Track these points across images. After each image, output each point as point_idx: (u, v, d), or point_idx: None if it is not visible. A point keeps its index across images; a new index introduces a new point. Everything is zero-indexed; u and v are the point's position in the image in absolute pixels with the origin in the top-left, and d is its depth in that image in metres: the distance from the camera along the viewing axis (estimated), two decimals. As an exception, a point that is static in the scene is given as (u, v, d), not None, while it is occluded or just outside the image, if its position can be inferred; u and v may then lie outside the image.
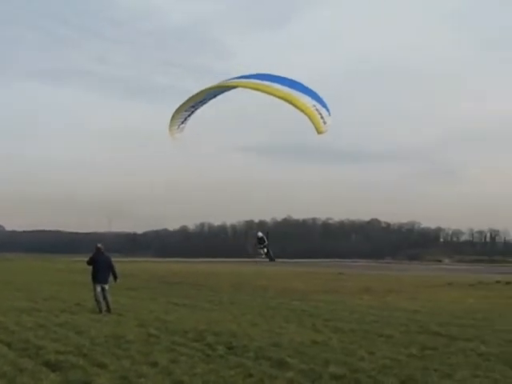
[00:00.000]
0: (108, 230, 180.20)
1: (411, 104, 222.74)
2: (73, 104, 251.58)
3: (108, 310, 21.96)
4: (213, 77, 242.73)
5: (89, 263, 23.00)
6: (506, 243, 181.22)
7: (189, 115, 21.47)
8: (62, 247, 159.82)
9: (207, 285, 38.24)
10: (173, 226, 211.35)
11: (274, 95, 18.52)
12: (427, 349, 14.56)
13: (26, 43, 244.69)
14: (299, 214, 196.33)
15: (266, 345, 14.80)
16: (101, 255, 22.94)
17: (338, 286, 38.26)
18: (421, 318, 20.83)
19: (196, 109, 21.30)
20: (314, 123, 18.85)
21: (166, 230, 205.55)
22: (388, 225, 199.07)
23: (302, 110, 18.62)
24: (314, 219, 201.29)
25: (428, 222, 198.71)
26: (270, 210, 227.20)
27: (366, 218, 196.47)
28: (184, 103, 20.86)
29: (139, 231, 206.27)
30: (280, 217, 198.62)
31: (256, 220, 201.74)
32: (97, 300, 22.23)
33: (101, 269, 22.59)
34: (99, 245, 23.33)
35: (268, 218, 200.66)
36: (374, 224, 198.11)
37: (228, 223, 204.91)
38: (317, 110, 18.85)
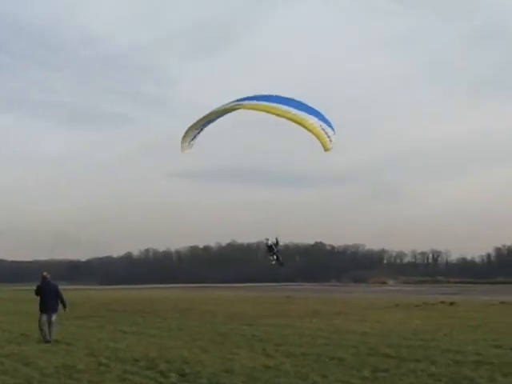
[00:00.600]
0: (51, 258, 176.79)
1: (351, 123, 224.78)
2: (14, 131, 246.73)
3: (49, 340, 21.39)
4: (155, 104, 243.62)
5: (36, 293, 22.53)
6: (447, 264, 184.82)
7: (198, 133, 22.34)
8: (5, 276, 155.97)
9: (154, 311, 37.92)
10: (117, 252, 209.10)
11: (284, 117, 19.31)
12: (379, 371, 14.69)
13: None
14: (244, 238, 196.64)
15: (218, 371, 14.74)
16: (47, 284, 22.49)
17: (287, 309, 38.37)
18: (371, 340, 21.03)
19: (204, 127, 22.15)
20: (321, 141, 19.81)
21: (110, 257, 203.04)
22: (332, 247, 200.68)
23: (310, 130, 19.55)
24: (258, 243, 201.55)
25: (372, 244, 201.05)
26: (214, 234, 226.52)
27: (311, 241, 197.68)
28: (195, 122, 21.54)
29: (82, 258, 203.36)
30: (225, 241, 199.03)
31: (201, 245, 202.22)
32: (41, 329, 21.69)
33: (47, 298, 22.10)
34: (45, 273, 22.86)
35: (213, 243, 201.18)
36: (318, 247, 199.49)
37: (173, 249, 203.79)
38: (323, 129, 19.82)
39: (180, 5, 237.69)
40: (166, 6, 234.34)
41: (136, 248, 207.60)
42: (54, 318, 21.94)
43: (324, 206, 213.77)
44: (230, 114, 21.20)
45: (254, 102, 20.08)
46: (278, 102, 19.69)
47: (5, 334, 24.90)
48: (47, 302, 22.05)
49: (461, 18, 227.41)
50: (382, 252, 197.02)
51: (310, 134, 19.66)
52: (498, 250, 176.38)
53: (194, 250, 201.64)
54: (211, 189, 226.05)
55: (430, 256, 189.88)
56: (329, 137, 19.96)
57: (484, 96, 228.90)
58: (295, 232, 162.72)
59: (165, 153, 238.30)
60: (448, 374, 14.24)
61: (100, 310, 40.80)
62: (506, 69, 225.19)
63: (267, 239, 25.38)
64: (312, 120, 19.64)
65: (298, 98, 20.07)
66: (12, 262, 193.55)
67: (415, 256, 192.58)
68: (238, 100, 20.66)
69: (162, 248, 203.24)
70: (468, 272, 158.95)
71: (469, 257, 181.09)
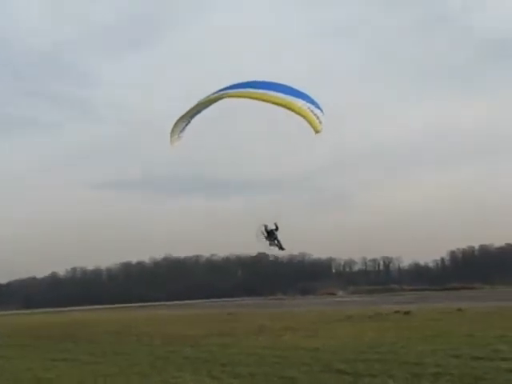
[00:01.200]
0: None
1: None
2: None
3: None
4: (74, 104, 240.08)
5: None
6: (400, 270, 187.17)
7: (186, 125, 23.29)
8: None
9: (86, 335, 37.45)
10: (41, 273, 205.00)
11: (271, 102, 20.37)
12: (334, 389, 14.86)
13: None
14: (180, 251, 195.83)
15: (161, 398, 14.70)
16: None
17: (230, 327, 38.38)
18: (323, 356, 21.23)
19: (192, 119, 23.08)
20: (310, 124, 21.01)
21: (33, 279, 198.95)
22: (276, 258, 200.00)
23: (299, 113, 20.71)
24: (197, 256, 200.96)
25: (319, 252, 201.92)
26: (147, 249, 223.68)
27: (253, 252, 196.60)
28: (183, 115, 22.55)
29: (2, 281, 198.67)
30: (159, 256, 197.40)
31: (134, 261, 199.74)
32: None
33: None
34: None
35: (146, 258, 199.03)
36: (261, 258, 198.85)
37: (103, 267, 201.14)
38: (311, 111, 21.00)
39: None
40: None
41: (62, 267, 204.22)
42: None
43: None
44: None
45: (240, 90, 21.06)
46: (263, 88, 20.64)
47: None
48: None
49: (404, 9, 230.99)
50: (330, 260, 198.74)
51: (298, 117, 20.62)
52: (452, 253, 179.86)
53: (126, 266, 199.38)
54: (143, 199, 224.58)
55: (381, 263, 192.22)
56: (318, 118, 21.07)
57: (428, 91, 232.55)
58: (235, 243, 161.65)
59: (88, 161, 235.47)
60: (406, 388, 14.50)
61: (25, 336, 40.08)
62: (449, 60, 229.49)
63: (266, 225, 25.52)
64: (300, 103, 20.66)
65: (282, 82, 21.01)
66: None
67: (365, 263, 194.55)
68: (223, 89, 21.55)
69: (90, 266, 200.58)
70: (422, 278, 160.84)
71: (422, 262, 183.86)
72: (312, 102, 21.26)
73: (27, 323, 56.89)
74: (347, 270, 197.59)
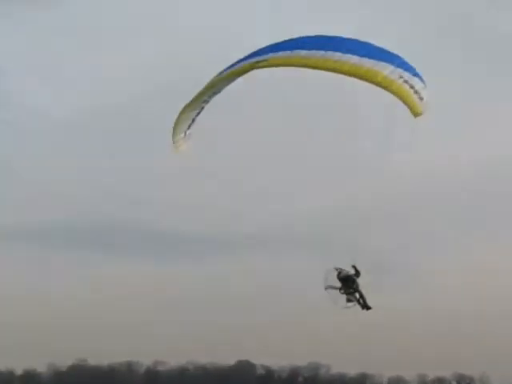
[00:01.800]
0: None
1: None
2: None
3: None
4: None
5: None
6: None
7: (197, 115, 18.24)
8: None
9: None
10: None
11: (337, 70, 13.67)
12: None
13: None
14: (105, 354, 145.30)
15: None
16: None
17: None
18: None
19: (207, 103, 18.00)
20: (407, 103, 14.73)
21: None
22: (268, 370, 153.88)
23: (386, 87, 13.84)
24: (130, 363, 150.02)
25: (344, 362, 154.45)
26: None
27: (229, 359, 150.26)
28: (192, 100, 17.40)
29: None
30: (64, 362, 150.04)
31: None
32: None
33: None
34: None
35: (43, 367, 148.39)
36: (242, 368, 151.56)
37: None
38: (406, 82, 14.39)
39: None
40: None
41: None
42: None
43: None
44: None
45: (284, 54, 14.40)
46: (321, 48, 13.86)
47: None
48: None
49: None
50: (364, 378, 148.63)
51: (385, 94, 13.82)
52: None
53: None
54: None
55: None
56: (417, 92, 14.57)
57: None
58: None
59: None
60: None
61: None
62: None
63: (340, 269, 19.53)
64: (387, 69, 13.78)
65: (350, 37, 14.25)
66: None
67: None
68: (256, 54, 15.65)
69: None
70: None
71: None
72: (405, 65, 14.41)
73: None
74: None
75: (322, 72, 14.08)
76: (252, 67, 15.97)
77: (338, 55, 13.94)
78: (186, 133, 18.42)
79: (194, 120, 18.09)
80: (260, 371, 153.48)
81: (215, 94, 17.71)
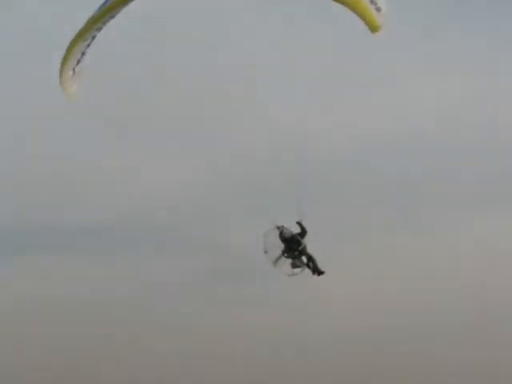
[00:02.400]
0: None
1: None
2: None
3: None
4: None
5: None
6: None
7: (89, 44, 15.56)
8: None
9: None
10: None
11: None
12: None
13: None
14: None
15: None
16: None
17: None
18: None
19: (97, 32, 15.42)
20: (363, 16, 14.25)
21: None
22: None
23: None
24: None
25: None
26: None
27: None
28: (83, 27, 15.17)
29: None
30: None
31: None
32: None
33: None
34: None
35: None
36: None
37: None
38: None
39: None
40: None
41: None
42: None
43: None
44: None
45: None
46: None
47: None
48: None
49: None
50: None
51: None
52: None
53: None
54: None
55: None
56: (373, 2, 14.04)
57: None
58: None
59: None
60: None
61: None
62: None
63: (281, 227, 16.61)
64: None
65: None
66: None
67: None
68: None
69: None
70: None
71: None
72: None
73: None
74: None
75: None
76: None
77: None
78: (74, 70, 15.62)
79: (84, 53, 15.42)
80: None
81: (111, 17, 15.04)
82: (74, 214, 43.36)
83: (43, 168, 43.54)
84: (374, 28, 14.43)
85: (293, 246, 16.53)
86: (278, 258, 16.72)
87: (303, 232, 16.50)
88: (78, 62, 15.60)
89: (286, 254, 16.68)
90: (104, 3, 14.94)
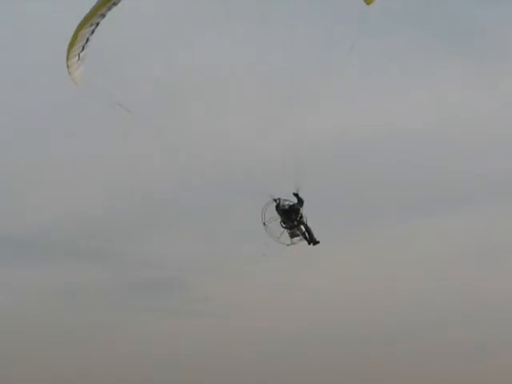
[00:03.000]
0: None
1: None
2: None
3: None
4: None
5: None
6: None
7: (92, 33, 16.04)
8: None
9: None
10: None
11: None
12: None
13: None
14: None
15: None
16: None
17: None
18: None
19: (104, 16, 15.86)
20: None
21: None
22: None
23: None
24: None
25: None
26: None
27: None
28: (88, 14, 15.54)
29: None
30: None
31: None
32: None
33: None
34: None
35: None
36: None
37: None
38: None
39: None
40: None
41: None
42: None
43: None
44: None
45: None
46: None
47: None
48: None
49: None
50: None
51: None
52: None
53: None
54: None
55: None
56: None
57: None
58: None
59: None
60: None
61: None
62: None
63: (278, 200, 17.15)
64: None
65: None
66: None
67: None
68: None
69: None
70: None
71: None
72: None
73: None
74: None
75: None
76: None
77: None
78: (79, 55, 16.07)
79: (88, 39, 15.85)
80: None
81: (114, 4, 15.36)
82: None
83: None
84: (368, 1, 15.57)
85: (291, 216, 17.07)
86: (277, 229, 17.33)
87: (300, 202, 17.11)
88: (83, 48, 16.10)
89: (284, 225, 17.30)
90: None
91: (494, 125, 45.68)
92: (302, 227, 17.34)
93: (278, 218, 17.31)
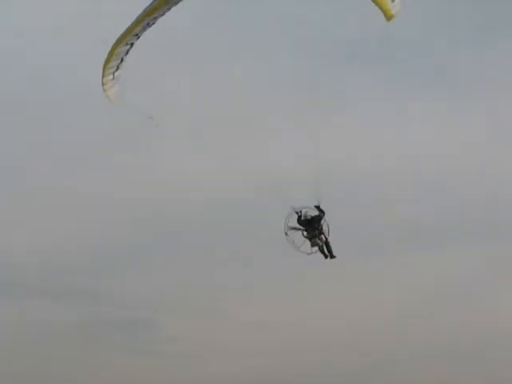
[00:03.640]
0: None
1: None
2: None
3: None
4: None
5: None
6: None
7: (127, 52, 16.43)
8: None
9: None
10: None
11: None
12: None
13: None
14: None
15: None
16: None
17: None
18: None
19: (141, 33, 16.30)
20: (380, 5, 15.15)
21: None
22: None
23: None
24: None
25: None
26: None
27: None
28: (125, 31, 16.05)
29: None
30: None
31: None
32: None
33: None
34: None
35: None
36: None
37: None
38: None
39: None
40: None
41: None
42: None
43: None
44: None
45: None
46: None
47: None
48: None
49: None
50: None
51: None
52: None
53: None
54: None
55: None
56: None
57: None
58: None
59: None
60: None
61: None
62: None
63: (299, 211, 17.83)
64: None
65: None
66: None
67: None
68: None
69: None
70: None
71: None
72: None
73: None
74: None
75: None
76: None
77: None
78: (114, 75, 16.55)
79: (122, 59, 16.28)
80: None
81: (149, 25, 15.90)
82: None
83: None
84: (389, 16, 15.81)
85: (314, 225, 17.70)
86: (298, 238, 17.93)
87: (322, 213, 17.77)
88: (117, 67, 16.72)
89: (306, 234, 17.96)
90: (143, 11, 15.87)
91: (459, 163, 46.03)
92: (323, 237, 17.96)
93: (299, 228, 17.91)
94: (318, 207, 17.85)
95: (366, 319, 41.74)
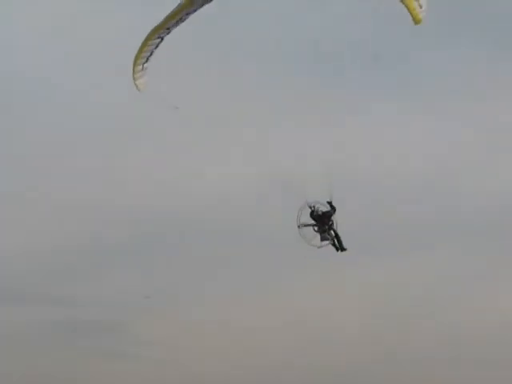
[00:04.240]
0: None
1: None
2: None
3: None
4: None
5: None
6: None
7: (156, 46, 17.40)
8: None
9: None
10: None
11: None
12: None
13: None
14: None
15: None
16: None
17: None
18: None
19: (169, 32, 17.23)
20: (410, 10, 16.24)
21: None
22: None
23: None
24: None
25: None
26: None
27: None
28: (158, 25, 16.95)
29: None
30: None
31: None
32: None
33: None
34: None
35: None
36: None
37: None
38: None
39: None
40: None
41: None
42: None
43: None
44: None
45: None
46: None
47: None
48: None
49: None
50: None
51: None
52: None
53: None
54: None
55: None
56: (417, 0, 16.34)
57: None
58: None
59: None
60: None
61: None
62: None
63: (312, 206, 18.55)
64: None
65: None
66: None
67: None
68: None
69: None
70: None
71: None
72: None
73: None
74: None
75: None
76: None
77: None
78: (143, 66, 17.41)
79: (152, 52, 17.23)
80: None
81: (182, 20, 16.62)
82: None
83: None
84: (417, 20, 16.71)
85: (324, 221, 18.38)
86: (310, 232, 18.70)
87: (333, 209, 18.42)
88: (147, 59, 17.56)
89: (317, 228, 18.63)
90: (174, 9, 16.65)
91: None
92: (332, 232, 18.61)
93: (311, 223, 18.59)
94: (329, 203, 18.48)
95: (365, 319, 41.93)
